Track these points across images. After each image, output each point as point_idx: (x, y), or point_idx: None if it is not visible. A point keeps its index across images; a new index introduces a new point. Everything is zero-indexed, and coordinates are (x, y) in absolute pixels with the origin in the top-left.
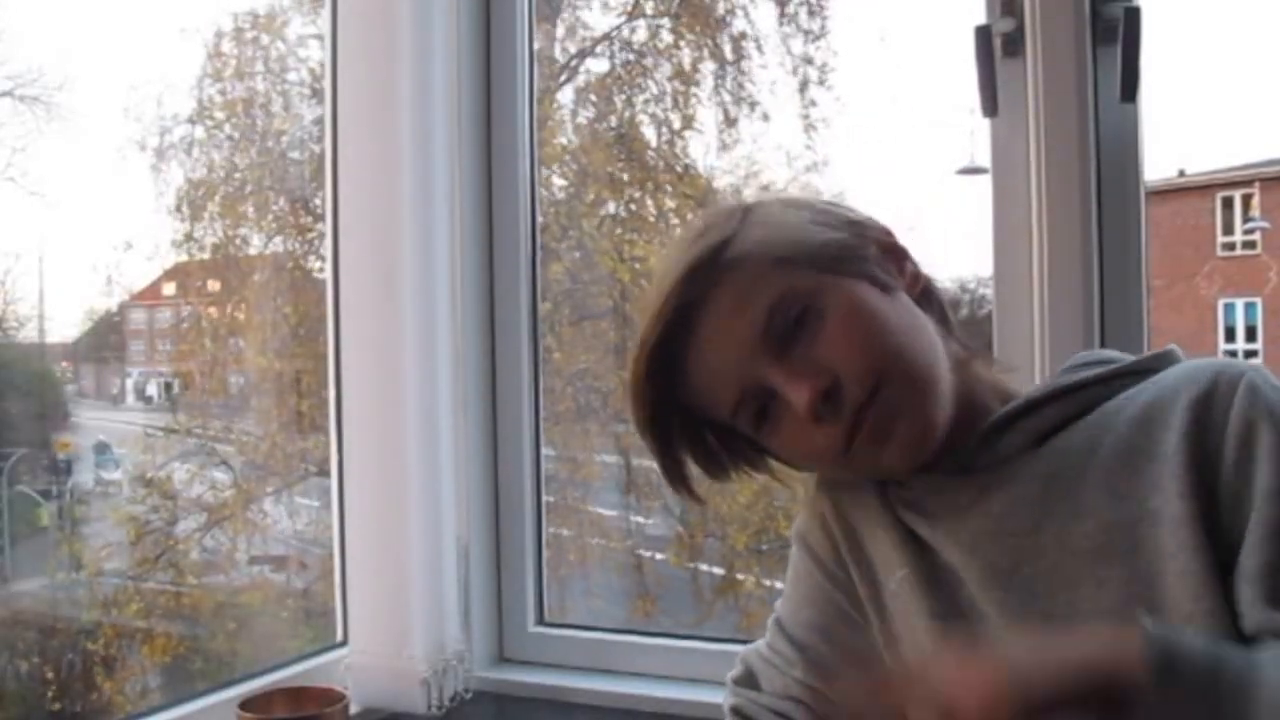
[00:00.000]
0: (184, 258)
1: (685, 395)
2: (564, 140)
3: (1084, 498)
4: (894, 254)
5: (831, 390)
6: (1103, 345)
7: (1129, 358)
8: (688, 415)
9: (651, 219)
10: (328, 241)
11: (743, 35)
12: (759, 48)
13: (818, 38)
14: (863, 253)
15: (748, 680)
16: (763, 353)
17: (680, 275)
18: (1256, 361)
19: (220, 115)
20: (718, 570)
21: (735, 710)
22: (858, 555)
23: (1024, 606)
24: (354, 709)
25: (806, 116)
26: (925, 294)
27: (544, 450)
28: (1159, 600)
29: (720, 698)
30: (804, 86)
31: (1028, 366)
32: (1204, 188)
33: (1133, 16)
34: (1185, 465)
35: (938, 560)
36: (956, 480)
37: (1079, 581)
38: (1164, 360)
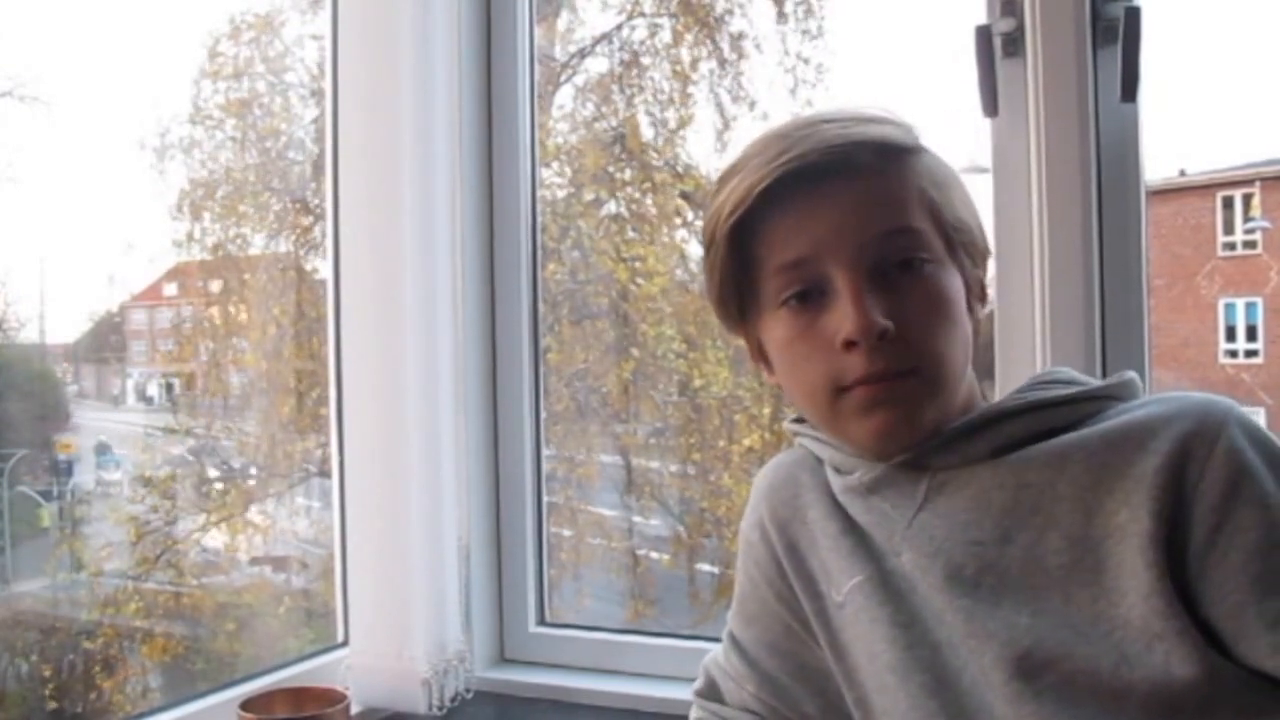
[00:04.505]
0: (184, 258)
1: (764, 222)
2: (562, 140)
3: (1055, 511)
4: (984, 271)
5: (883, 339)
6: (1103, 345)
7: (1092, 381)
8: (746, 236)
9: (650, 218)
10: (328, 241)
11: (741, 35)
12: (757, 47)
13: (816, 37)
14: (977, 256)
15: (710, 691)
16: (856, 254)
17: (860, 135)
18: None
19: (219, 115)
20: (716, 570)
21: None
22: (799, 569)
23: (989, 617)
24: (355, 709)
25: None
26: (980, 317)
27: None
28: (1126, 618)
29: None
30: (802, 86)
31: (1028, 366)
32: (1204, 187)
33: (1133, 16)
34: (1161, 488)
35: (890, 565)
36: (909, 474)
37: (1046, 596)
38: (1128, 389)
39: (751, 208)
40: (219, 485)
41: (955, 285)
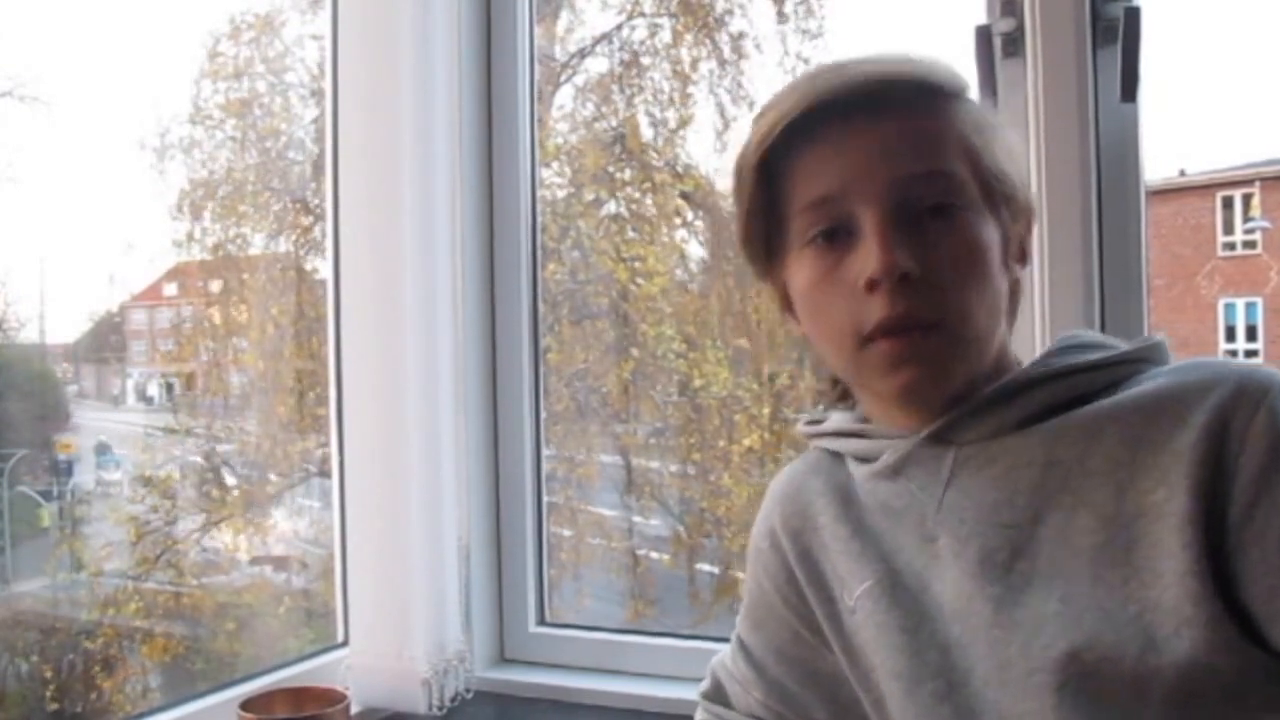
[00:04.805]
0: (184, 258)
1: (793, 157)
2: (562, 140)
3: (1085, 488)
4: (1028, 232)
5: (909, 284)
6: None
7: (1120, 344)
8: (774, 172)
9: (650, 218)
10: (328, 241)
11: (741, 35)
12: (757, 47)
13: (816, 37)
14: (1017, 211)
15: (716, 694)
16: (885, 193)
17: (898, 71)
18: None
19: (219, 115)
20: (716, 570)
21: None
22: (812, 575)
23: (1017, 605)
24: (355, 709)
25: None
26: (1017, 276)
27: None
28: (1157, 601)
29: None
30: None
31: None
32: (1204, 187)
33: (1133, 16)
34: (1198, 463)
35: (900, 564)
36: (933, 449)
37: (1074, 579)
38: (1156, 352)
39: (780, 141)
40: (219, 485)
41: (990, 238)
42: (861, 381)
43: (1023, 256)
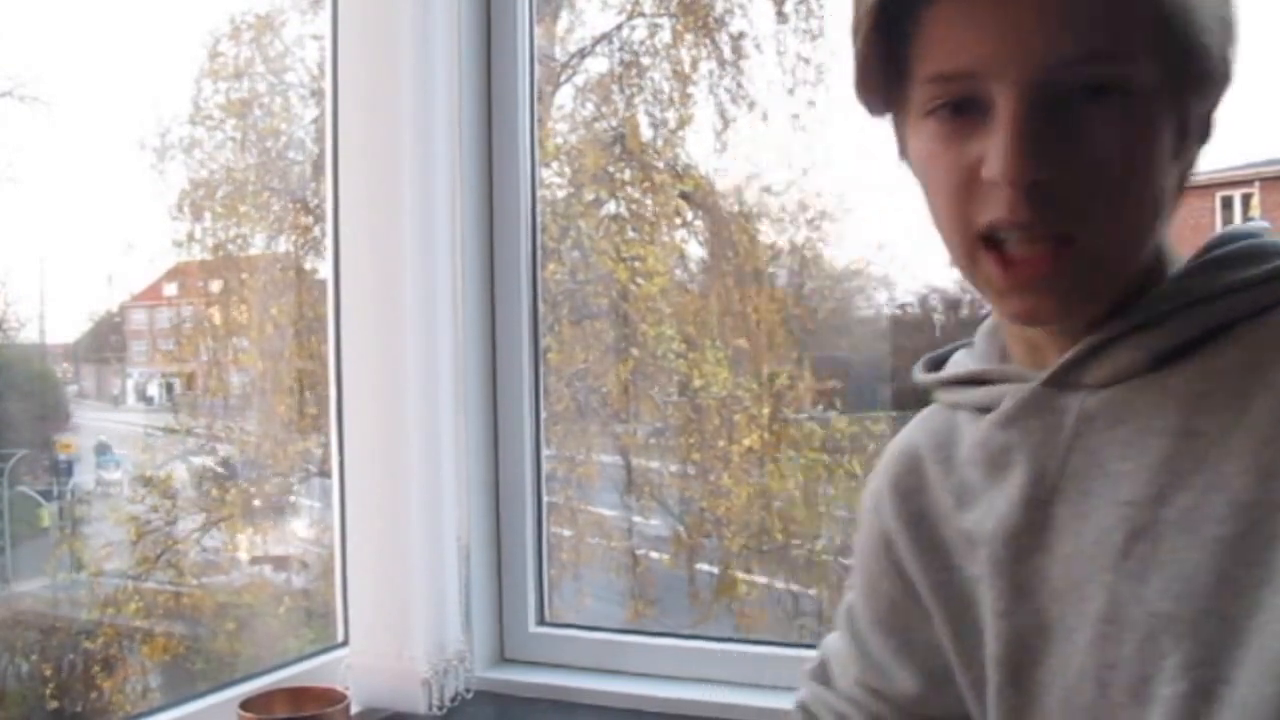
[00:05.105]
0: (184, 258)
1: (923, 11)
2: (562, 140)
3: (1223, 470)
4: (1216, 101)
5: (1041, 190)
6: None
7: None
8: (898, 29)
9: (650, 218)
10: (328, 241)
11: (741, 35)
12: (757, 47)
13: (816, 37)
14: (1210, 88)
15: (820, 673)
16: (1033, 76)
17: None
18: None
19: (220, 115)
20: (716, 570)
21: (800, 705)
22: (919, 539)
23: (1131, 599)
24: (355, 709)
25: (805, 116)
26: (1193, 158)
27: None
28: None
29: (721, 697)
30: (802, 86)
31: None
32: (1204, 188)
33: None
34: None
35: (1018, 523)
36: (1055, 397)
37: (1196, 575)
38: None
39: None
40: (219, 485)
41: (1161, 134)
42: (976, 287)
43: (1206, 132)
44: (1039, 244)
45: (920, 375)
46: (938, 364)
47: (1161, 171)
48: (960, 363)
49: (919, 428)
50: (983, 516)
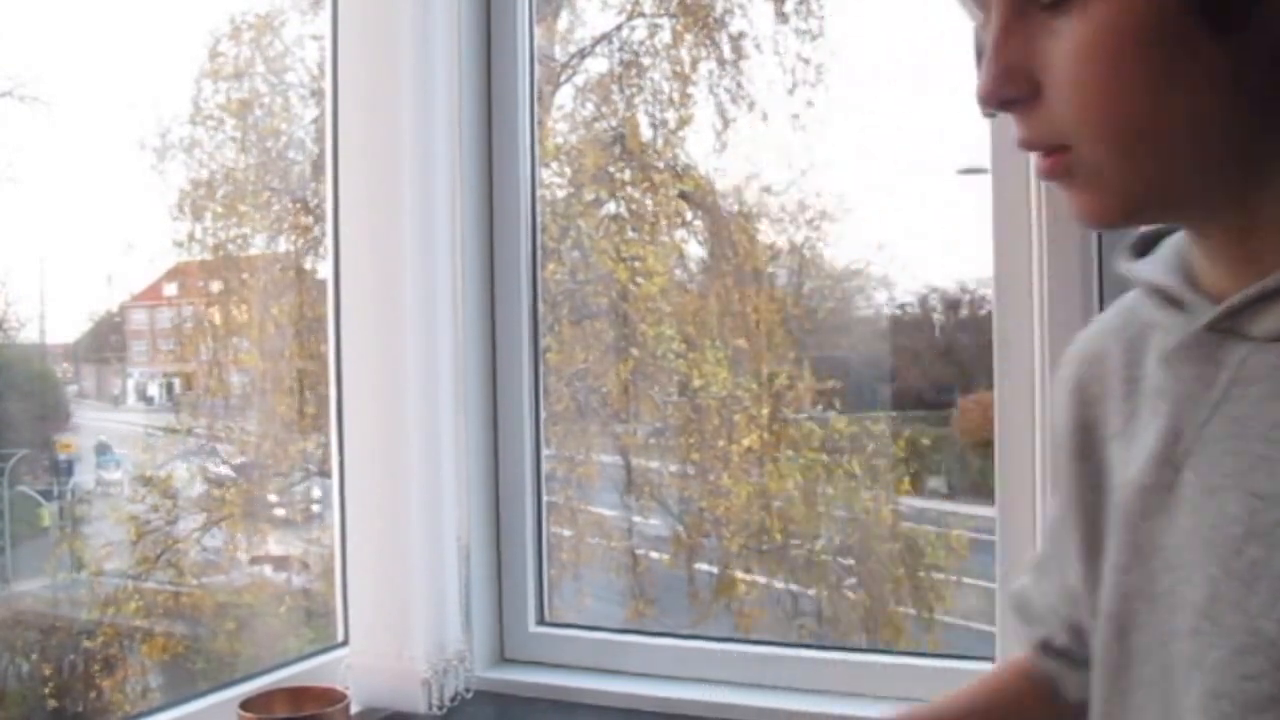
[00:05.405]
0: (185, 258)
1: None
2: (562, 140)
3: None
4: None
5: (1020, 106)
6: None
7: None
8: None
9: (650, 218)
10: (328, 241)
11: (741, 35)
12: (757, 47)
13: (816, 37)
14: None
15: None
16: None
17: None
18: None
19: (220, 115)
20: (715, 569)
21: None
22: (1088, 450)
23: (1235, 606)
24: (354, 709)
25: (805, 116)
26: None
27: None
28: None
29: (720, 697)
30: (802, 86)
31: (1028, 367)
32: None
33: None
34: None
35: (1163, 463)
36: (1215, 344)
37: None
38: None
39: None
40: (219, 485)
41: (1137, 38)
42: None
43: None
44: (1038, 152)
45: (1125, 264)
46: (1147, 246)
47: (1147, 76)
48: (1160, 262)
49: (1115, 324)
50: (1132, 457)
